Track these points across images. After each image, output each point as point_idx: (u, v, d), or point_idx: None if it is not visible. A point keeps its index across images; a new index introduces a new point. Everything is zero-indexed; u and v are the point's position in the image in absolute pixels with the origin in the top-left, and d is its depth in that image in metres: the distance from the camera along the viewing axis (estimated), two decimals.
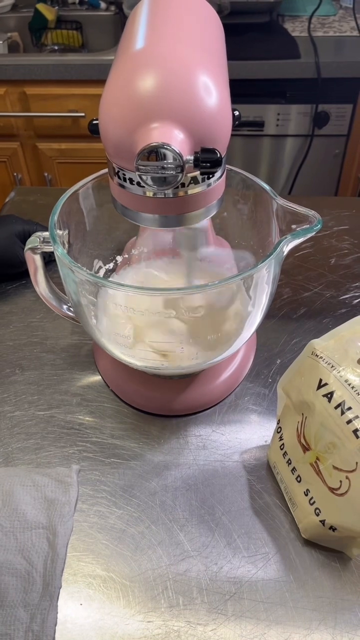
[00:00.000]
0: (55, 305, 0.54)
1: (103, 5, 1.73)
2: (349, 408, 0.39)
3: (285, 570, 0.44)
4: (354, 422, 0.38)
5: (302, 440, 0.44)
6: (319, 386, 0.41)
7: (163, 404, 0.55)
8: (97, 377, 0.59)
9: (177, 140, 0.34)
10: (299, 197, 0.91)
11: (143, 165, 0.35)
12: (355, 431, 0.38)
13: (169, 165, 0.34)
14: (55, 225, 0.46)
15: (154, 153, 0.34)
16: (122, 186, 0.40)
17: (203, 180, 0.39)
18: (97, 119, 0.39)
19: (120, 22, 1.73)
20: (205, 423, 0.55)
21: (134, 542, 0.45)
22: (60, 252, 0.44)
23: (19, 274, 0.70)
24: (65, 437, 0.53)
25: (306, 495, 0.44)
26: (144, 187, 0.38)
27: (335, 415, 0.39)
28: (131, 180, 0.39)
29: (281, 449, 0.47)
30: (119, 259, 0.61)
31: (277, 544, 0.45)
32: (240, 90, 1.39)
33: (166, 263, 0.60)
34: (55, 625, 0.41)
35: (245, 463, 0.51)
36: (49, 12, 1.65)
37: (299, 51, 1.42)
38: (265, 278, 0.45)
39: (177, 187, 0.38)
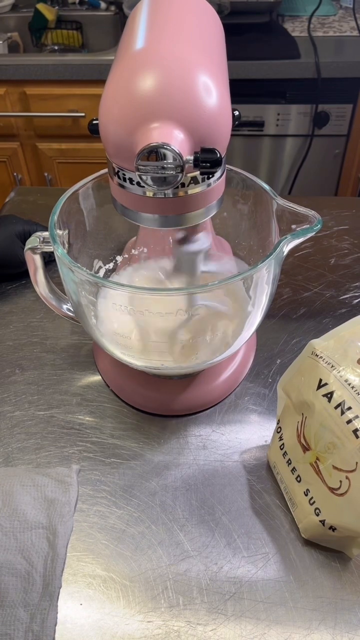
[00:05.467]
0: (55, 305, 0.54)
1: (103, 5, 1.73)
2: (349, 408, 0.39)
3: (285, 570, 0.44)
4: (354, 422, 0.38)
5: (302, 440, 0.44)
6: (319, 386, 0.41)
7: (163, 404, 0.55)
8: (97, 377, 0.59)
9: (177, 141, 0.34)
10: (299, 197, 0.91)
11: (143, 165, 0.35)
12: (355, 431, 0.38)
13: (169, 165, 0.34)
14: (55, 225, 0.46)
15: (154, 153, 0.34)
16: (122, 186, 0.40)
17: (203, 180, 0.39)
18: (97, 119, 0.39)
19: (120, 22, 1.73)
20: (205, 423, 0.55)
21: (134, 542, 0.45)
22: (60, 252, 0.44)
23: (19, 274, 0.70)
24: (65, 437, 0.53)
25: (306, 495, 0.44)
26: (143, 187, 0.38)
27: (335, 415, 0.39)
28: (131, 180, 0.39)
29: (281, 449, 0.47)
30: (119, 259, 0.61)
31: (277, 544, 0.45)
32: (240, 90, 1.39)
33: (166, 263, 0.60)
34: (55, 625, 0.41)
35: (245, 463, 0.51)
36: (49, 12, 1.65)
37: (298, 51, 1.42)
38: (265, 278, 0.46)
39: (177, 187, 0.38)
